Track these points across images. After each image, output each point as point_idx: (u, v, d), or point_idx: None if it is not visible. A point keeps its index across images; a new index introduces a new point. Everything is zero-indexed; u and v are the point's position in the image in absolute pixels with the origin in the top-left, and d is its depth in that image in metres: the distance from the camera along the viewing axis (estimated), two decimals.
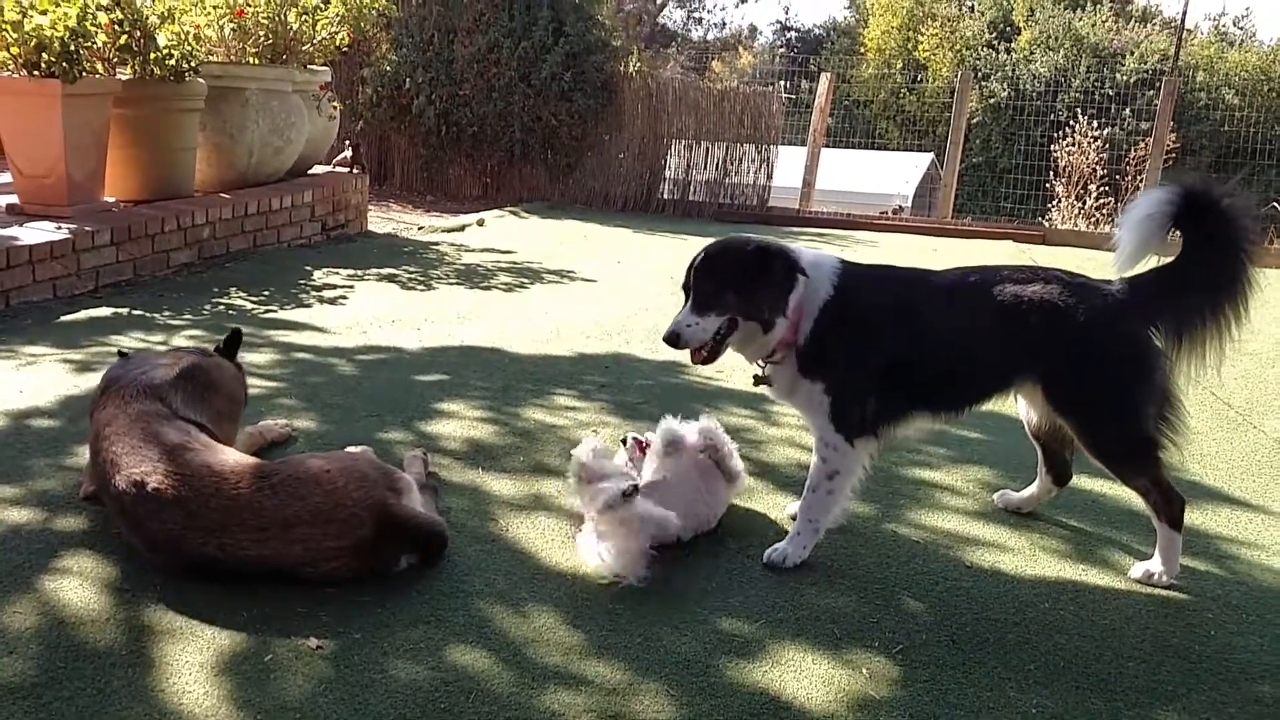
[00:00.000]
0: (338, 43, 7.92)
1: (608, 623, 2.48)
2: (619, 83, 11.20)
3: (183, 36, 6.48)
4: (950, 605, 2.67)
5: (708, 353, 2.78)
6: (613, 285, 6.78)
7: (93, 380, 3.70)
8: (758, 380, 2.91)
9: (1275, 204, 10.65)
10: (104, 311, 5.15)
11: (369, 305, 5.69)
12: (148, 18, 6.29)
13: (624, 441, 3.17)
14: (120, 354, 3.18)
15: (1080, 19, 20.07)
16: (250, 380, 3.37)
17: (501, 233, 8.98)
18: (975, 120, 18.08)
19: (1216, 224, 2.73)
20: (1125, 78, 17.60)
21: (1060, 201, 11.74)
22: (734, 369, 4.17)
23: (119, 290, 5.63)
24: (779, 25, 40.78)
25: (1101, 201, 11.34)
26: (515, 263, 7.44)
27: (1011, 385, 2.88)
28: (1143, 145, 11.72)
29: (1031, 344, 2.77)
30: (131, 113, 6.28)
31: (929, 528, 3.15)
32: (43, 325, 4.82)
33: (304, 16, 7.61)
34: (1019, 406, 3.12)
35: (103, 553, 2.64)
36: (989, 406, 3.02)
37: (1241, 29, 25.95)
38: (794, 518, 2.95)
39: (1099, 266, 3.14)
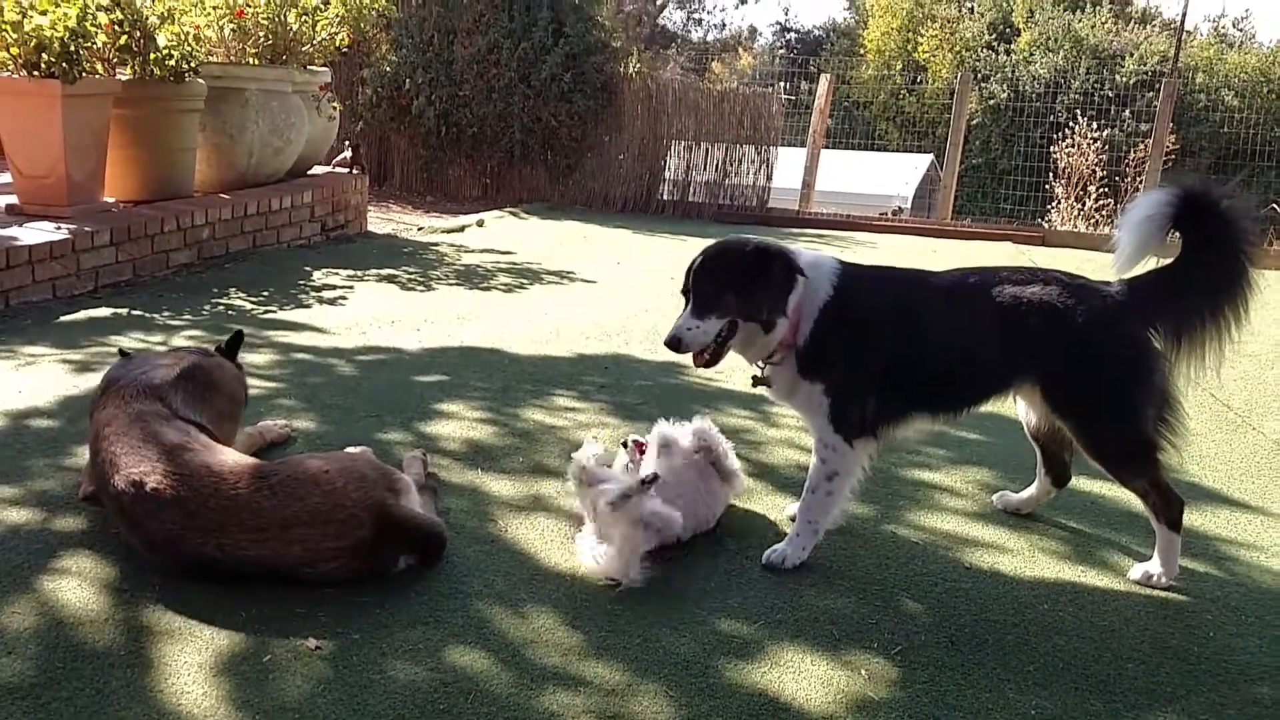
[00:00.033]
0: (337, 43, 7.92)
1: (607, 624, 2.48)
2: (619, 84, 11.20)
3: (182, 37, 6.48)
4: (949, 606, 2.67)
5: (710, 356, 2.78)
6: (612, 286, 6.78)
7: (92, 381, 3.70)
8: (756, 381, 2.91)
9: (1274, 205, 10.65)
10: (103, 312, 5.15)
11: (368, 306, 5.69)
12: (148, 18, 6.29)
13: (624, 444, 3.17)
14: (121, 353, 3.18)
15: (1080, 20, 20.07)
16: (250, 381, 3.37)
17: (501, 233, 8.98)
18: (975, 121, 18.07)
19: (1216, 225, 2.73)
20: (1125, 79, 17.60)
21: (1060, 203, 11.74)
22: (734, 370, 4.17)
23: (118, 290, 5.63)
24: (779, 26, 40.80)
25: (1101, 203, 11.35)
26: (515, 263, 7.44)
27: (1010, 386, 2.88)
28: (1142, 147, 11.72)
29: (1030, 345, 2.77)
30: (131, 113, 6.28)
31: (928, 529, 3.15)
32: (42, 325, 4.82)
33: (304, 17, 7.61)
34: (1018, 408, 3.12)
35: (101, 553, 2.64)
36: (988, 408, 3.02)
37: (1241, 31, 25.92)
38: (793, 519, 2.95)
39: (1098, 268, 3.14)
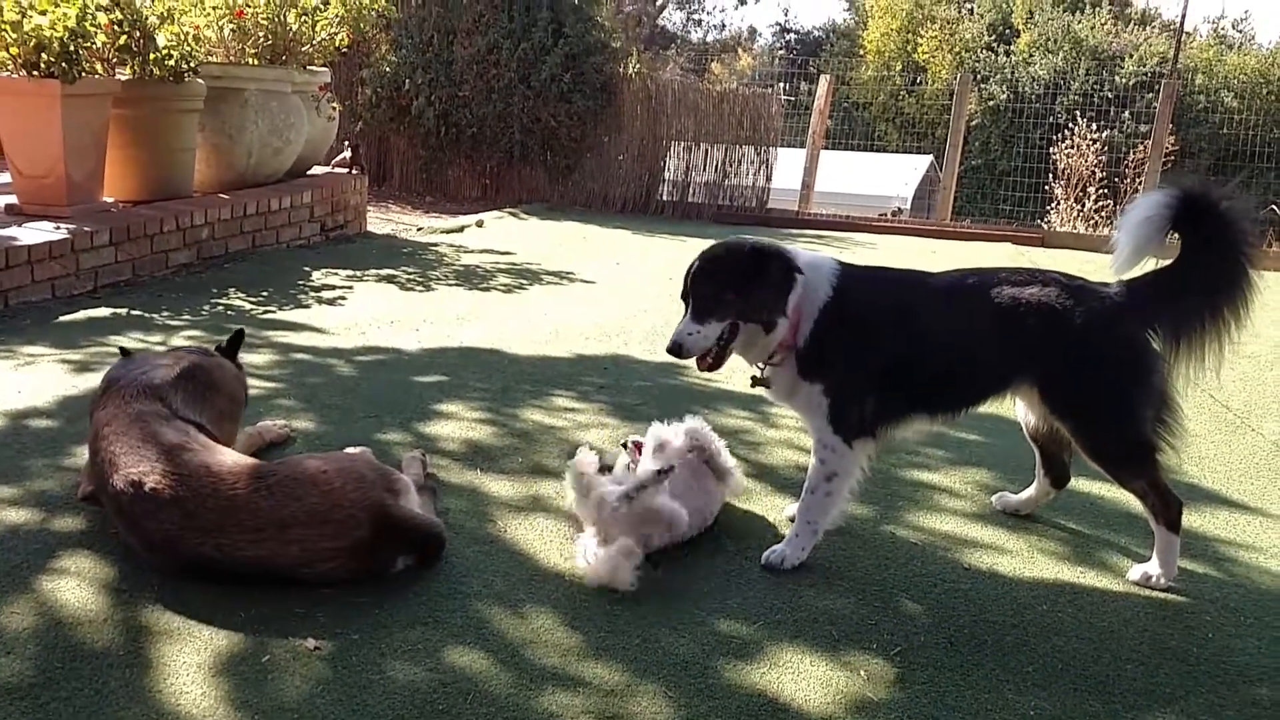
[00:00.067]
0: (337, 43, 7.92)
1: (606, 624, 2.48)
2: (618, 84, 11.20)
3: (182, 37, 6.48)
4: (948, 607, 2.68)
5: (713, 359, 2.78)
6: (611, 287, 6.78)
7: (91, 381, 3.70)
8: (755, 382, 2.91)
9: (1274, 207, 10.66)
10: (103, 312, 5.15)
11: (368, 306, 5.69)
12: (147, 18, 6.29)
13: (624, 445, 3.18)
14: (122, 352, 3.18)
15: (1079, 21, 20.07)
16: (249, 381, 3.36)
17: (500, 234, 8.98)
18: (974, 122, 18.07)
19: (1215, 227, 2.73)
20: (1124, 80, 17.61)
21: (1059, 204, 11.75)
22: (733, 371, 4.16)
23: (118, 290, 5.63)
24: (778, 27, 40.76)
25: (1100, 204, 11.35)
26: (514, 264, 7.44)
27: (1009, 387, 2.88)
28: (1142, 148, 11.72)
29: (1029, 346, 2.77)
30: (131, 113, 6.28)
31: (927, 529, 3.15)
32: (41, 325, 4.82)
33: (303, 17, 7.61)
34: (1017, 409, 3.12)
35: (100, 553, 2.64)
36: (987, 409, 3.03)
37: (1240, 32, 25.92)
38: (792, 519, 2.95)
39: (1098, 269, 3.14)
